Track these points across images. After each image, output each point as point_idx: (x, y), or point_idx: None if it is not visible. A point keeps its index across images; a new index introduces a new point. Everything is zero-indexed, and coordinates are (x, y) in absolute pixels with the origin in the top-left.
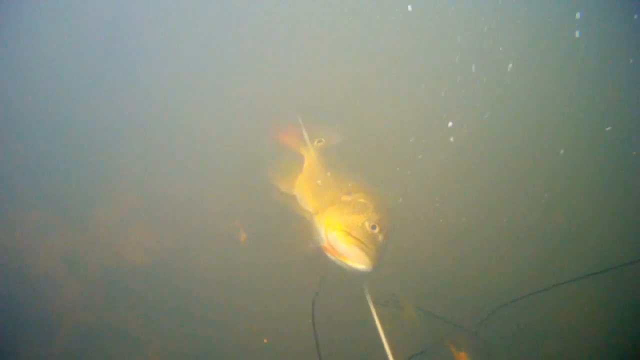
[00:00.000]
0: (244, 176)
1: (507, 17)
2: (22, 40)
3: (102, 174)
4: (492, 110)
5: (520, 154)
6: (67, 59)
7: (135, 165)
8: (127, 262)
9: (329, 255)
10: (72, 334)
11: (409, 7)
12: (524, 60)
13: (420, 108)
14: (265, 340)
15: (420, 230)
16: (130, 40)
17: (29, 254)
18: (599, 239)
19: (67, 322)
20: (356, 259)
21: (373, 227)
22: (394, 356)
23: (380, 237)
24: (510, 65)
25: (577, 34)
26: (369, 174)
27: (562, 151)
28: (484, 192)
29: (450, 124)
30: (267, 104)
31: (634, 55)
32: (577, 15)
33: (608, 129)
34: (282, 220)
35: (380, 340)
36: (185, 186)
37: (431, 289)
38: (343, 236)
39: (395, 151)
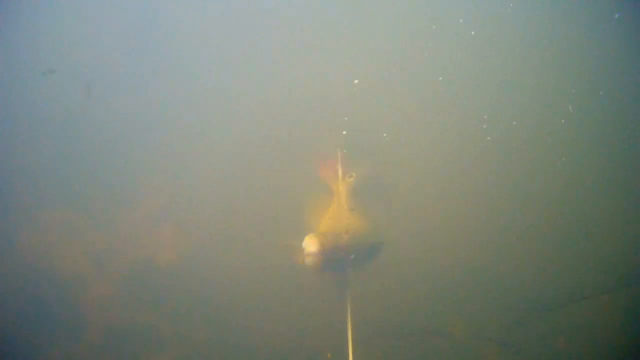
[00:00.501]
0: (273, 177)
1: (507, 18)
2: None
3: (129, 173)
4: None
5: (521, 154)
6: (93, 58)
7: (163, 165)
8: (154, 262)
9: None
10: (98, 334)
11: None
12: (524, 61)
13: (420, 108)
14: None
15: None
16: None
17: (56, 254)
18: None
19: (93, 322)
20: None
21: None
22: None
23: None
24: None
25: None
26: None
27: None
28: (484, 195)
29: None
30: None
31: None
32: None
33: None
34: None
35: None
36: (213, 186)
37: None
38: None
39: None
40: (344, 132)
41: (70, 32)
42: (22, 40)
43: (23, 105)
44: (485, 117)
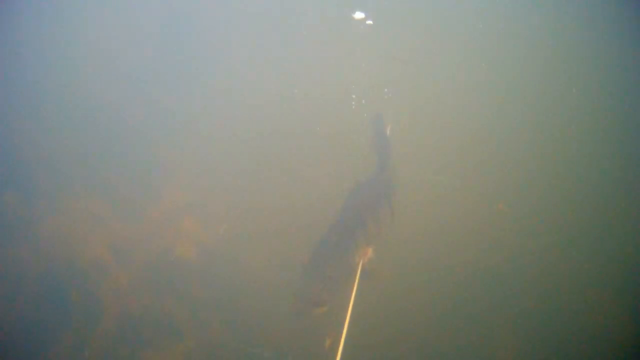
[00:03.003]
0: (269, 178)
1: (506, 18)
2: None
3: (152, 167)
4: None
5: (520, 155)
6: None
7: (186, 160)
8: (173, 254)
9: None
10: (116, 321)
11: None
12: (524, 61)
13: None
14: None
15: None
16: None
17: (79, 242)
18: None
19: (111, 309)
20: None
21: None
22: None
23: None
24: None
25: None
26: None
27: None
28: (484, 195)
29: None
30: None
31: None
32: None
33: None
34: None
35: None
36: (233, 183)
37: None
38: None
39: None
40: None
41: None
42: (23, 40)
43: (22, 103)
44: (486, 117)
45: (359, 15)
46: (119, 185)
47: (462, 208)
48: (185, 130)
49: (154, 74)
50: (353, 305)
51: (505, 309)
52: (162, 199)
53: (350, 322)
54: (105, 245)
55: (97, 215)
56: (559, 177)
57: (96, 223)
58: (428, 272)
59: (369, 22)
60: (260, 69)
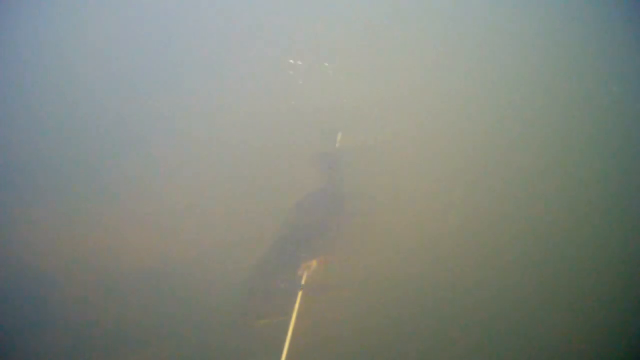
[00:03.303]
0: (241, 181)
1: (506, 18)
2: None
3: (105, 177)
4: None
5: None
6: (72, 60)
7: (139, 171)
8: (126, 265)
9: None
10: (69, 331)
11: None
12: (524, 61)
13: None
14: None
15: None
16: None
17: (31, 253)
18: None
19: (64, 319)
20: None
21: None
22: None
23: None
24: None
25: None
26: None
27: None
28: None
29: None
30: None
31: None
32: None
33: None
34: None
35: None
36: (185, 192)
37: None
38: None
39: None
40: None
41: (73, 32)
42: (23, 40)
43: (22, 104)
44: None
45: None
46: (72, 195)
47: (422, 218)
48: (141, 141)
49: (145, 73)
50: (296, 318)
51: (457, 321)
52: (116, 210)
53: (292, 336)
54: (59, 255)
55: (51, 225)
56: (554, 177)
57: (50, 233)
58: (379, 283)
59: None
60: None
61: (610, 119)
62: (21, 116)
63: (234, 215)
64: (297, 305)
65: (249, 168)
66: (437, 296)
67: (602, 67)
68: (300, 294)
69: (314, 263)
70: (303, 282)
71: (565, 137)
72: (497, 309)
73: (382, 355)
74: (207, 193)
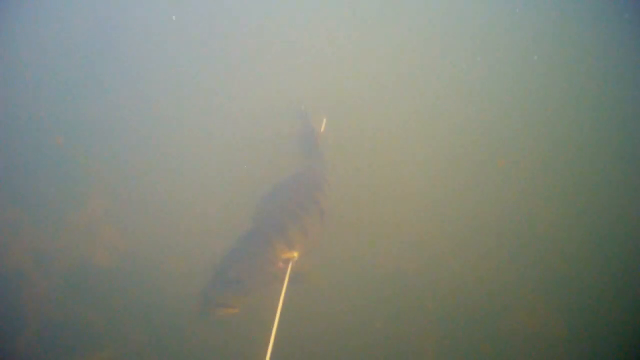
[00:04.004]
0: (221, 169)
1: (505, 18)
2: (25, 40)
3: (75, 176)
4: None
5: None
6: (65, 60)
7: (106, 169)
8: (94, 264)
9: None
10: (37, 330)
11: None
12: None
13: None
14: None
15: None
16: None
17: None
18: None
19: (33, 318)
20: None
21: None
22: None
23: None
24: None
25: None
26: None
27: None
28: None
29: None
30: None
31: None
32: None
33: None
34: None
35: None
36: (152, 191)
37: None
38: None
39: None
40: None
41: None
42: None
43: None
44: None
45: None
46: (42, 193)
47: (407, 205)
48: (107, 140)
49: (88, 77)
50: (281, 311)
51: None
52: (84, 209)
53: (278, 328)
54: (27, 254)
55: (19, 224)
56: (556, 177)
57: (18, 231)
58: (365, 276)
59: None
60: None
61: (612, 119)
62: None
63: (212, 204)
64: (281, 299)
65: (230, 156)
66: (429, 288)
67: (602, 66)
68: (284, 286)
69: (294, 254)
70: (286, 274)
71: (566, 136)
72: (493, 304)
73: (373, 351)
74: (184, 182)
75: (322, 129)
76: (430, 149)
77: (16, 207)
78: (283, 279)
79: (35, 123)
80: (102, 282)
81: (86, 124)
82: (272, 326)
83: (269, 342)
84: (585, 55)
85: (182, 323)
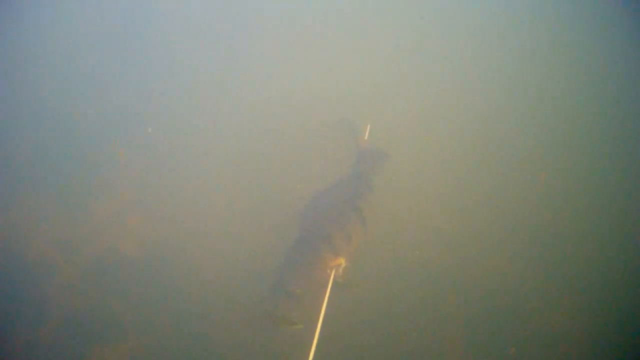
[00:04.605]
0: (239, 175)
1: (505, 18)
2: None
3: (102, 166)
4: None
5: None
6: (76, 58)
7: (135, 159)
8: (121, 253)
9: None
10: (63, 319)
11: None
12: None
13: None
14: None
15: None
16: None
17: (26, 240)
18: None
19: (58, 308)
20: None
21: None
22: None
23: None
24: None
25: None
26: None
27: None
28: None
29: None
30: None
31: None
32: None
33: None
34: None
35: None
36: (181, 183)
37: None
38: None
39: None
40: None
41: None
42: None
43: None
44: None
45: None
46: (68, 183)
47: (447, 212)
48: (137, 131)
49: (106, 76)
50: (323, 321)
51: (493, 319)
52: (111, 198)
53: (319, 337)
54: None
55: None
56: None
57: (44, 221)
58: (408, 280)
59: None
60: None
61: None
62: (25, 107)
63: (252, 211)
64: (324, 306)
65: (270, 163)
66: (475, 293)
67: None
68: (327, 293)
69: (341, 261)
70: (331, 281)
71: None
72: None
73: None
74: (227, 187)
75: (366, 136)
76: (481, 155)
77: (42, 196)
78: (326, 286)
79: (63, 110)
80: (128, 271)
81: (116, 111)
82: (315, 331)
83: (311, 347)
84: (586, 55)
85: (210, 315)
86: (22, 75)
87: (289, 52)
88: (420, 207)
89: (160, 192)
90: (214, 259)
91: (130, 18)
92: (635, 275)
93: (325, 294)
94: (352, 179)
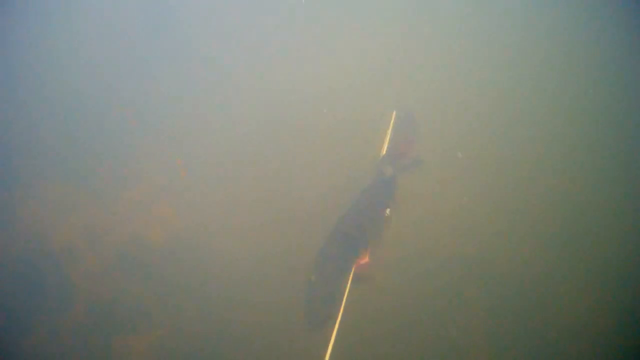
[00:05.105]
0: (290, 179)
1: (505, 18)
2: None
3: (127, 154)
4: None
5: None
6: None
7: (161, 146)
8: (145, 240)
9: None
10: (87, 306)
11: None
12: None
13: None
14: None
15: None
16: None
17: (51, 228)
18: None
19: (83, 294)
20: None
21: None
22: None
23: None
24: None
25: None
26: None
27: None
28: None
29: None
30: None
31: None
32: None
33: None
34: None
35: None
36: (206, 171)
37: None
38: None
39: None
40: None
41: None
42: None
43: (30, 87)
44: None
45: None
46: (93, 171)
47: (464, 208)
48: (162, 120)
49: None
50: (343, 313)
51: (513, 315)
52: (137, 186)
53: (339, 327)
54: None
55: (70, 201)
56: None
57: (69, 208)
58: (427, 276)
59: None
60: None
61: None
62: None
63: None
64: (343, 299)
65: (301, 168)
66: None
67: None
68: (347, 289)
69: (366, 258)
70: (350, 277)
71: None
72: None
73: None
74: (256, 190)
75: (391, 125)
76: (510, 154)
77: (69, 184)
78: (347, 280)
79: (91, 100)
80: (156, 259)
81: (145, 99)
82: (334, 325)
83: (329, 340)
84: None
85: (238, 305)
86: (54, 61)
87: (312, 46)
88: (443, 206)
89: (186, 182)
90: (239, 249)
91: (135, 17)
92: (635, 275)
93: (346, 287)
94: (388, 179)
